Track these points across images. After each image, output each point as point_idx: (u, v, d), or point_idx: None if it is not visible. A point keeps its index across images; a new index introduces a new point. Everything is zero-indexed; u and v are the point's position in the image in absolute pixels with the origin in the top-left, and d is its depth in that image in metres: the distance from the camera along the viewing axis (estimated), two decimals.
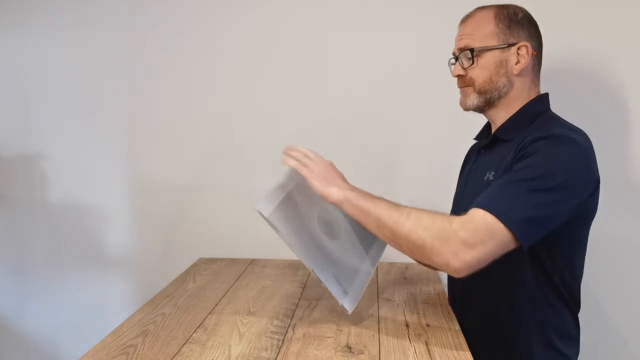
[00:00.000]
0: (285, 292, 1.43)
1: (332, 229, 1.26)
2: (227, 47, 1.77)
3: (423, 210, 1.07)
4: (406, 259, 1.66)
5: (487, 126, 1.35)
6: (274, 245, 1.78)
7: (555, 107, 1.25)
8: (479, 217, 1.00)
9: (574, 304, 1.21)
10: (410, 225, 1.04)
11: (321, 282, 1.16)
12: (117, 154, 1.86)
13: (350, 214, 1.11)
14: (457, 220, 1.01)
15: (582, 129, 1.15)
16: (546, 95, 1.25)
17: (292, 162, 1.18)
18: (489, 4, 1.24)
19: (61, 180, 1.89)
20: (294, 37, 1.74)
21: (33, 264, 1.94)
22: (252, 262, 1.73)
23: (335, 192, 1.12)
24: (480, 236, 0.99)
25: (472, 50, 1.21)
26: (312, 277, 1.56)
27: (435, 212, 1.06)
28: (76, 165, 1.88)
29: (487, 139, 1.30)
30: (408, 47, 1.69)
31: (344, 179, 1.18)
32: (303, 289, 1.46)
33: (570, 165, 1.05)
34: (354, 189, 1.13)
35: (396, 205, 1.08)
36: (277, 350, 1.07)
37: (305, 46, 1.74)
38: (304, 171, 1.16)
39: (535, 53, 1.21)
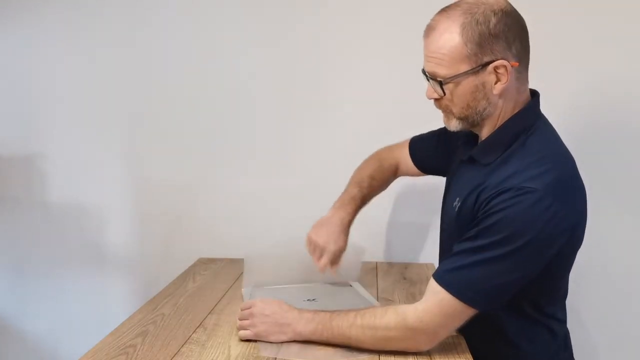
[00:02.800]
0: None
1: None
2: (229, 47, 1.77)
3: (373, 312, 1.07)
4: (406, 259, 1.66)
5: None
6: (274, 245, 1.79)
7: (553, 107, 1.23)
8: (436, 301, 1.02)
9: (556, 324, 1.16)
10: (372, 341, 1.06)
11: None
12: (117, 154, 1.86)
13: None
14: (412, 312, 1.03)
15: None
16: (533, 104, 1.10)
17: (241, 333, 1.13)
18: (455, 3, 1.05)
19: (61, 180, 1.89)
20: (295, 37, 1.74)
21: (33, 264, 1.93)
22: None
23: (286, 338, 1.10)
24: (440, 321, 1.02)
25: (440, 81, 1.05)
26: None
27: (386, 311, 1.06)
28: (76, 165, 1.88)
29: (468, 152, 1.17)
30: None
31: (291, 312, 1.12)
32: None
33: (532, 222, 0.97)
34: (303, 323, 1.10)
35: (348, 324, 1.07)
36: (277, 350, 1.07)
37: (307, 47, 1.74)
38: (250, 335, 1.12)
39: (517, 64, 1.03)
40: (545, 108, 1.14)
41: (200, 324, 1.22)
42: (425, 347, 1.06)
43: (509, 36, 1.01)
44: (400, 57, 1.69)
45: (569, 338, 1.21)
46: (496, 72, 1.02)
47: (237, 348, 1.09)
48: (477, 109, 1.07)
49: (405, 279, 1.54)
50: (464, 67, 1.02)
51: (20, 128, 1.89)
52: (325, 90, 1.75)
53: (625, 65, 1.62)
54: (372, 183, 1.43)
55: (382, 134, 1.72)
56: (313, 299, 1.33)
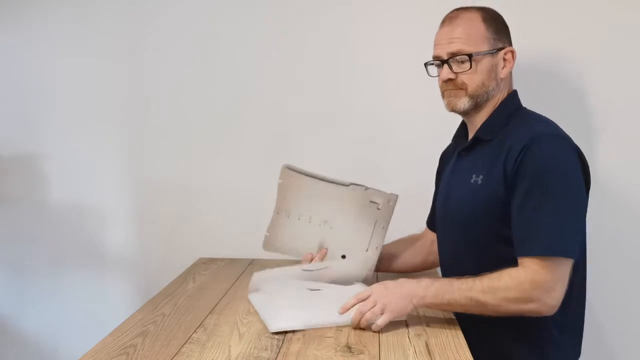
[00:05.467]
0: None
1: (324, 220, 1.40)
2: (228, 47, 1.77)
3: (490, 276, 1.12)
4: None
5: (462, 128, 1.36)
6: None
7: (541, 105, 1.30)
8: (544, 265, 1.08)
9: (576, 296, 1.22)
10: (493, 302, 1.10)
11: None
12: (117, 154, 1.86)
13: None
14: (528, 273, 1.09)
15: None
16: (515, 92, 1.30)
17: (381, 321, 1.14)
18: (467, 6, 1.27)
19: (61, 181, 1.89)
20: (297, 37, 1.74)
21: (33, 264, 1.93)
22: (252, 262, 1.72)
23: (411, 307, 1.15)
24: (554, 279, 1.08)
25: (470, 55, 1.21)
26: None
27: (501, 275, 1.11)
28: (76, 165, 1.88)
29: (466, 142, 1.31)
30: (403, 45, 1.69)
31: (408, 282, 1.18)
32: None
33: (570, 165, 1.13)
34: (423, 288, 1.15)
35: (468, 287, 1.12)
36: (277, 350, 1.07)
37: (309, 48, 1.74)
38: (388, 319, 1.14)
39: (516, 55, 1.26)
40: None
41: (200, 324, 1.22)
42: (545, 307, 1.10)
43: (509, 33, 1.28)
44: (402, 60, 1.69)
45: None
46: (504, 58, 1.24)
47: (237, 348, 1.09)
48: (488, 89, 1.24)
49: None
50: (485, 47, 1.22)
51: (20, 128, 1.89)
52: (328, 91, 1.75)
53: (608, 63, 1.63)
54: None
55: (386, 135, 1.74)
56: (317, 289, 1.33)
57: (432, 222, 1.50)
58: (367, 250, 1.39)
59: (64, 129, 1.87)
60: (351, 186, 1.36)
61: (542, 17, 1.63)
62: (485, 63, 1.22)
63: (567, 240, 1.09)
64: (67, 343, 1.94)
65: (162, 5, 1.79)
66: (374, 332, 1.13)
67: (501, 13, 1.29)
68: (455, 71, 1.23)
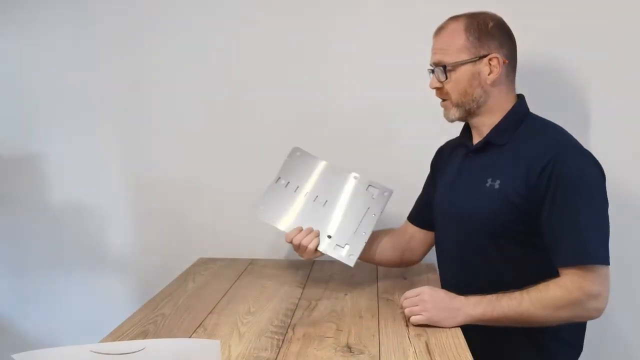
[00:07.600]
0: (285, 292, 1.43)
1: (324, 200, 1.45)
2: (229, 47, 1.77)
3: (537, 288, 1.16)
4: None
5: (466, 130, 1.38)
6: (274, 245, 1.79)
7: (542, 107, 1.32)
8: (587, 273, 1.13)
9: None
10: (544, 313, 1.14)
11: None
12: (117, 154, 1.86)
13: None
14: (575, 281, 1.13)
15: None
16: (522, 100, 1.32)
17: (414, 318, 1.18)
18: (461, 13, 1.29)
19: (61, 180, 1.89)
20: (295, 36, 1.74)
21: (33, 264, 1.93)
22: (252, 262, 1.73)
23: (454, 323, 1.17)
24: (599, 286, 1.14)
25: (444, 66, 1.26)
26: (312, 276, 1.56)
27: (548, 286, 1.15)
28: (76, 165, 1.88)
29: (471, 143, 1.34)
30: (405, 44, 1.69)
31: (457, 298, 1.20)
32: (303, 289, 1.46)
33: (597, 178, 1.18)
34: (472, 306, 1.17)
35: (517, 302, 1.15)
36: (277, 350, 1.07)
37: (309, 48, 1.74)
38: (423, 320, 1.18)
39: (507, 61, 1.26)
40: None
41: (200, 324, 1.22)
42: (595, 312, 1.16)
43: (501, 40, 1.27)
44: (401, 59, 1.69)
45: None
46: (490, 64, 1.25)
47: (237, 348, 1.09)
48: (474, 96, 1.27)
49: (405, 279, 1.54)
50: (464, 56, 1.25)
51: (20, 128, 1.89)
52: (327, 91, 1.75)
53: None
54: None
55: (385, 135, 1.74)
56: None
57: (418, 218, 1.50)
58: (355, 232, 1.40)
59: (64, 129, 1.87)
60: (353, 174, 1.46)
61: (543, 15, 1.63)
62: (463, 72, 1.25)
63: (604, 249, 1.15)
64: (67, 343, 1.92)
65: (162, 5, 1.78)
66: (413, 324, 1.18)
67: (502, 14, 1.30)
68: (440, 80, 1.28)
